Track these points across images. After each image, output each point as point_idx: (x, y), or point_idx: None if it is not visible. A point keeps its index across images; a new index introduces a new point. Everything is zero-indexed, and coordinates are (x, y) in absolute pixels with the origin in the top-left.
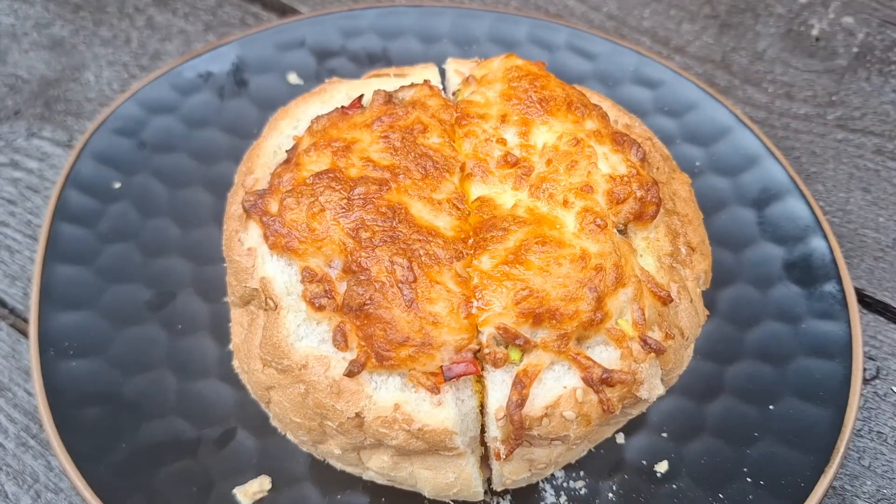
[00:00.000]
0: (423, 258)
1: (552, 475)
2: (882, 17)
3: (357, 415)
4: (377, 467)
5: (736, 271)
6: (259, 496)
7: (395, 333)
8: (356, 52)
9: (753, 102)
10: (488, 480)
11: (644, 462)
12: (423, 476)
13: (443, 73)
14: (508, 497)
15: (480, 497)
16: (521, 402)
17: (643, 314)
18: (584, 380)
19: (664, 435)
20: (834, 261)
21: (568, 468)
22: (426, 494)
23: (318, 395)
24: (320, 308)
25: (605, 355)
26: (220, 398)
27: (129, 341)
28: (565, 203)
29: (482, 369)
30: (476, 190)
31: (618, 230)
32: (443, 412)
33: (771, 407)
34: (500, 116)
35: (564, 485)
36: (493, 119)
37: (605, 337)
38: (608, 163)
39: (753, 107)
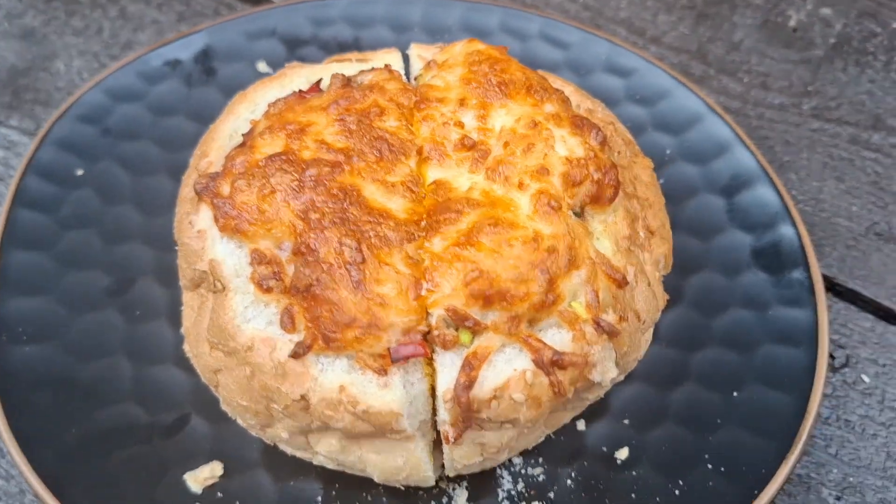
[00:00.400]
0: (372, 240)
1: (510, 461)
2: (860, 8)
3: (302, 397)
4: (325, 451)
5: (704, 258)
6: (210, 482)
7: (341, 315)
8: (327, 40)
9: (728, 92)
10: (442, 466)
11: (604, 449)
12: (372, 460)
13: (407, 60)
14: (465, 484)
15: (431, 482)
16: (469, 384)
17: (597, 297)
18: (535, 362)
19: (626, 422)
20: (802, 248)
21: (526, 455)
22: (376, 479)
23: (264, 378)
24: (268, 290)
25: (558, 338)
26: (176, 384)
27: (85, 327)
28: (520, 185)
29: (432, 352)
30: (433, 173)
31: (574, 213)
32: (389, 394)
33: (735, 394)
34: (458, 100)
35: (522, 471)
36: (451, 103)
37: (558, 319)
38: (566, 146)
39: (728, 97)
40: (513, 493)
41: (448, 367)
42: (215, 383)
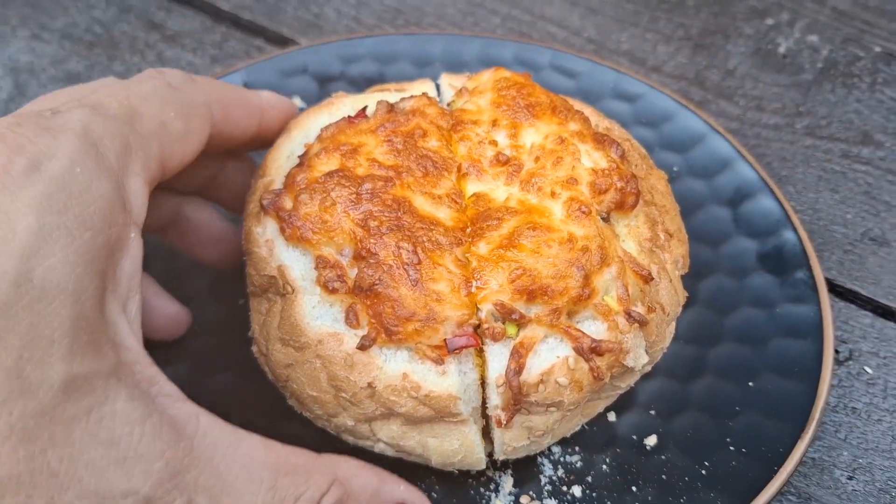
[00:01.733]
0: (426, 244)
1: (549, 450)
2: (844, 35)
3: (369, 384)
4: (387, 437)
5: (714, 264)
6: None
7: (402, 310)
8: (355, 76)
9: (726, 115)
10: (490, 454)
11: (634, 437)
12: (430, 444)
13: (438, 89)
14: (510, 471)
15: (482, 465)
16: (519, 370)
17: (627, 291)
18: (575, 349)
19: (652, 412)
20: (804, 250)
21: (564, 444)
22: (433, 463)
23: (333, 368)
24: (333, 291)
25: (594, 328)
26: (230, 390)
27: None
28: (553, 194)
29: (482, 343)
30: (472, 187)
31: (602, 218)
32: (447, 380)
33: (750, 384)
34: (491, 121)
35: (561, 459)
36: (485, 124)
37: (593, 312)
38: (590, 158)
39: (726, 118)
40: (554, 478)
41: (497, 357)
42: (285, 378)
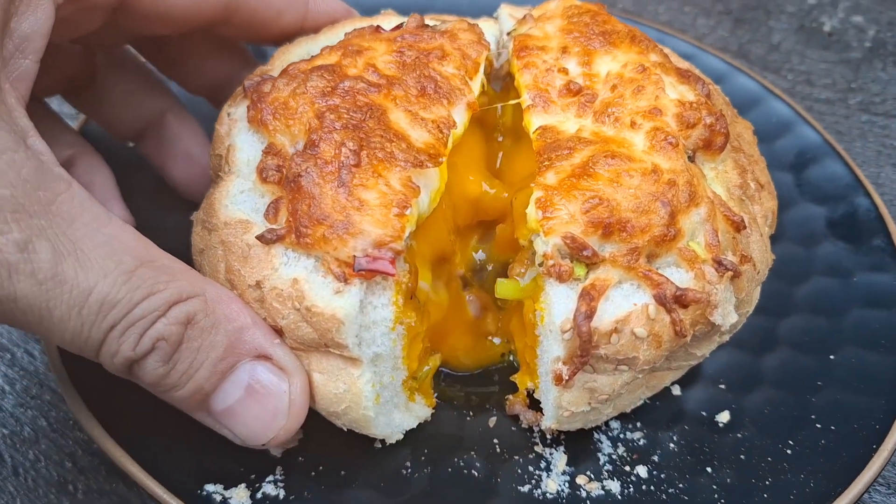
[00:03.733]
0: (376, 151)
1: (607, 426)
2: (889, 18)
3: (258, 283)
4: None
5: (779, 232)
6: (290, 446)
7: (317, 209)
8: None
9: (776, 87)
10: (540, 432)
11: (704, 413)
12: (316, 381)
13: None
14: (562, 448)
15: (370, 424)
16: (590, 314)
17: (717, 236)
18: (656, 297)
19: (722, 387)
20: (879, 216)
21: (624, 419)
22: (318, 407)
23: (231, 258)
24: (266, 180)
25: (677, 276)
26: None
27: None
28: (633, 125)
29: (542, 280)
30: (537, 120)
31: (687, 157)
32: (339, 300)
33: (832, 357)
34: (560, 48)
35: (621, 436)
36: (553, 51)
37: (677, 258)
38: (676, 90)
39: None
40: (614, 457)
41: (563, 300)
42: (199, 266)
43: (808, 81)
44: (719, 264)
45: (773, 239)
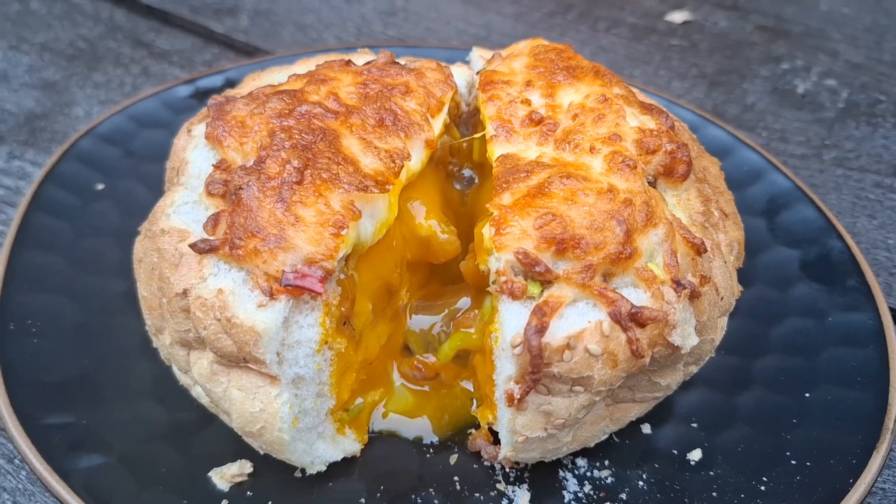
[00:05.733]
0: (321, 172)
1: (573, 463)
2: (862, 82)
3: (185, 291)
4: (199, 374)
5: (752, 275)
6: (238, 479)
7: (252, 222)
8: None
9: None
10: (503, 470)
11: (675, 451)
12: (235, 397)
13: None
14: (525, 485)
15: (285, 448)
16: (542, 328)
17: (675, 257)
18: (611, 315)
19: (694, 425)
20: (853, 257)
21: (591, 457)
22: (234, 425)
23: (163, 265)
24: (212, 194)
25: (634, 297)
26: None
27: (100, 327)
28: (592, 150)
29: (496, 299)
30: (499, 150)
31: (648, 183)
32: (261, 314)
33: (807, 395)
34: (524, 82)
35: (588, 474)
36: (517, 85)
37: (634, 278)
38: (637, 120)
39: None
40: (580, 495)
41: (516, 317)
42: (137, 276)
43: (782, 138)
44: (678, 284)
45: (746, 282)
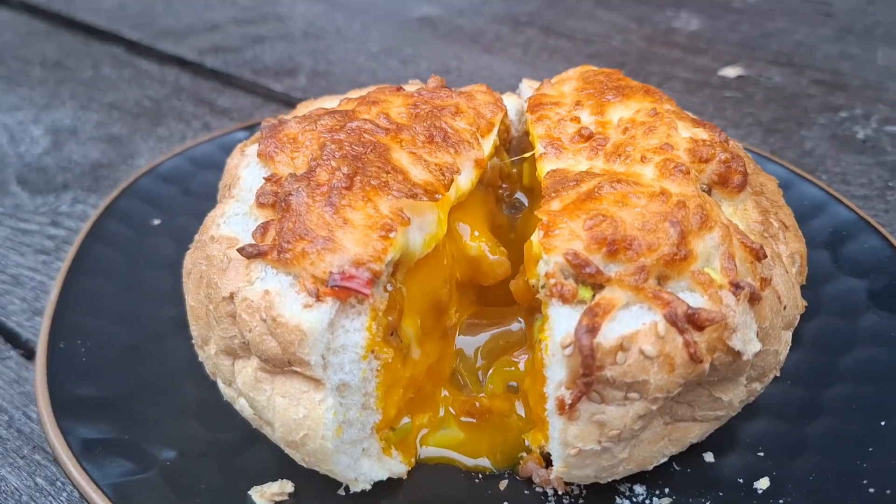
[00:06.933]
0: (371, 180)
1: (631, 490)
2: None
3: (231, 295)
4: (243, 383)
5: (817, 306)
6: (278, 499)
7: (300, 226)
8: None
9: None
10: (556, 496)
11: (740, 480)
12: (278, 405)
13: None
14: None
15: (328, 458)
16: (593, 328)
17: (733, 261)
18: (667, 316)
19: (760, 454)
20: None
21: (650, 484)
22: (276, 436)
23: (211, 272)
24: (262, 205)
25: (690, 301)
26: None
27: (148, 349)
28: (643, 159)
29: (545, 306)
30: (548, 166)
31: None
32: (307, 314)
33: (882, 423)
34: (574, 103)
35: (647, 502)
36: (566, 105)
37: (690, 282)
38: (689, 132)
39: None
40: None
41: (565, 319)
42: (186, 289)
43: (843, 181)
44: (736, 287)
45: (810, 314)
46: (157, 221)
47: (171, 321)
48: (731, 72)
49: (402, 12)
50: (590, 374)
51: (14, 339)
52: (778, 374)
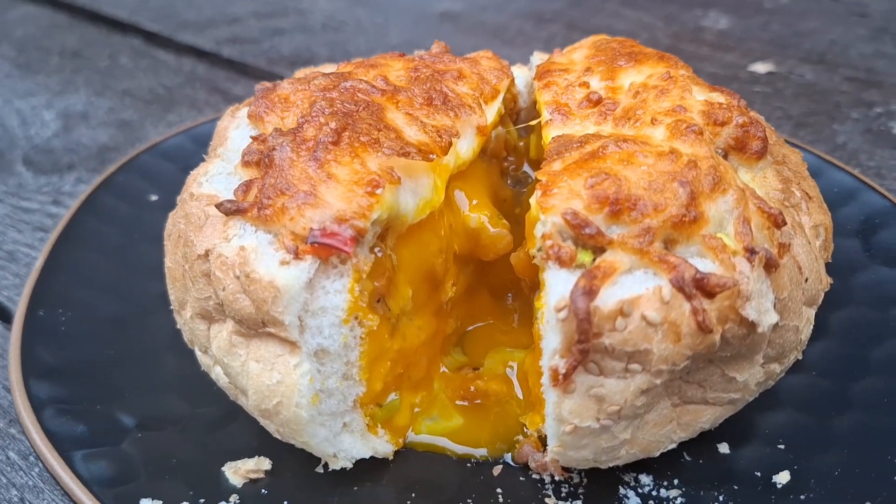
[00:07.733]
0: (360, 136)
1: (637, 481)
2: None
3: (206, 252)
4: (217, 348)
5: (847, 296)
6: (253, 476)
7: (282, 180)
8: None
9: None
10: (553, 483)
11: (758, 473)
12: (252, 371)
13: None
14: (579, 502)
15: (303, 428)
16: (590, 292)
17: (749, 227)
18: (673, 281)
19: (781, 447)
20: None
21: (657, 475)
22: (249, 405)
23: (189, 230)
24: (247, 164)
25: (700, 267)
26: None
27: (131, 322)
28: (653, 121)
29: (542, 269)
30: (554, 133)
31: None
32: (282, 271)
33: None
34: (584, 69)
35: (654, 493)
36: (576, 71)
37: (701, 247)
38: (705, 95)
39: None
40: None
41: (562, 283)
42: (165, 251)
43: (878, 174)
44: (751, 252)
45: (840, 303)
46: (154, 197)
47: (159, 296)
48: (761, 67)
49: (425, 7)
50: (585, 341)
51: (2, 314)
52: (800, 357)
